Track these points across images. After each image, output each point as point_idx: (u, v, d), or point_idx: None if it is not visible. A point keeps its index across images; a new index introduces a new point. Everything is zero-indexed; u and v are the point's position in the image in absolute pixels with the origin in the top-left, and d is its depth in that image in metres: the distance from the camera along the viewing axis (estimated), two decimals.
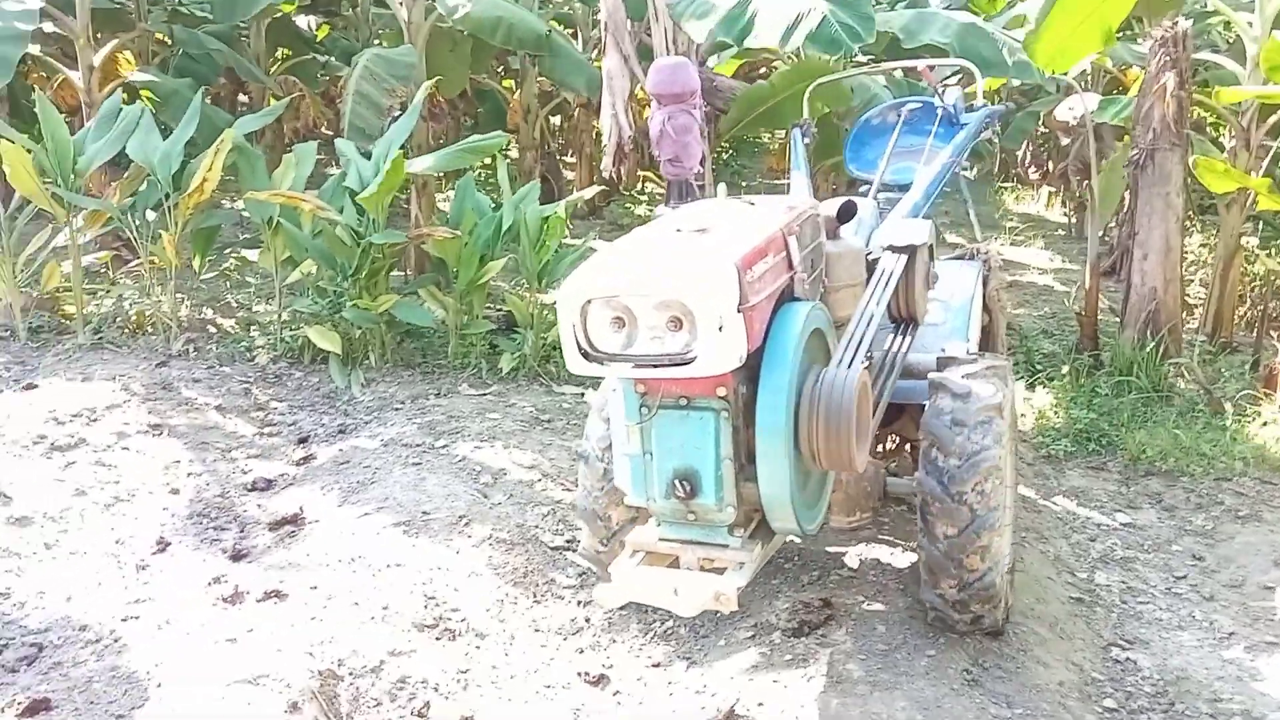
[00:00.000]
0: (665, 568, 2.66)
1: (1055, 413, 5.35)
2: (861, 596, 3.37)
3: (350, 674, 2.89)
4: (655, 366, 2.37)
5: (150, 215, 6.06)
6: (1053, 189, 11.61)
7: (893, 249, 3.23)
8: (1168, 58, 5.31)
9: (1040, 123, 10.49)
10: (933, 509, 2.87)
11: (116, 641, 3.09)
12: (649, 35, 5.56)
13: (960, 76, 4.85)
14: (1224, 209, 6.12)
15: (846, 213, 3.14)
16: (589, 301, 2.40)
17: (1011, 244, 9.99)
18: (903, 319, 3.37)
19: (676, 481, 2.51)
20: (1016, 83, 9.40)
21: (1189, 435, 4.85)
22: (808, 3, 5.04)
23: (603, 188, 7.68)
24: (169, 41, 9.54)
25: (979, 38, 6.27)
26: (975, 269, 3.88)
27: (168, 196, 5.79)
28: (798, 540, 3.70)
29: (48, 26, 8.16)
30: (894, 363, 3.20)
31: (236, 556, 3.68)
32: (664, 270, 2.41)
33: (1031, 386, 5.76)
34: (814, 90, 4.74)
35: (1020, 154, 12.82)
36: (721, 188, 2.92)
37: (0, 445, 4.38)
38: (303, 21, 11.14)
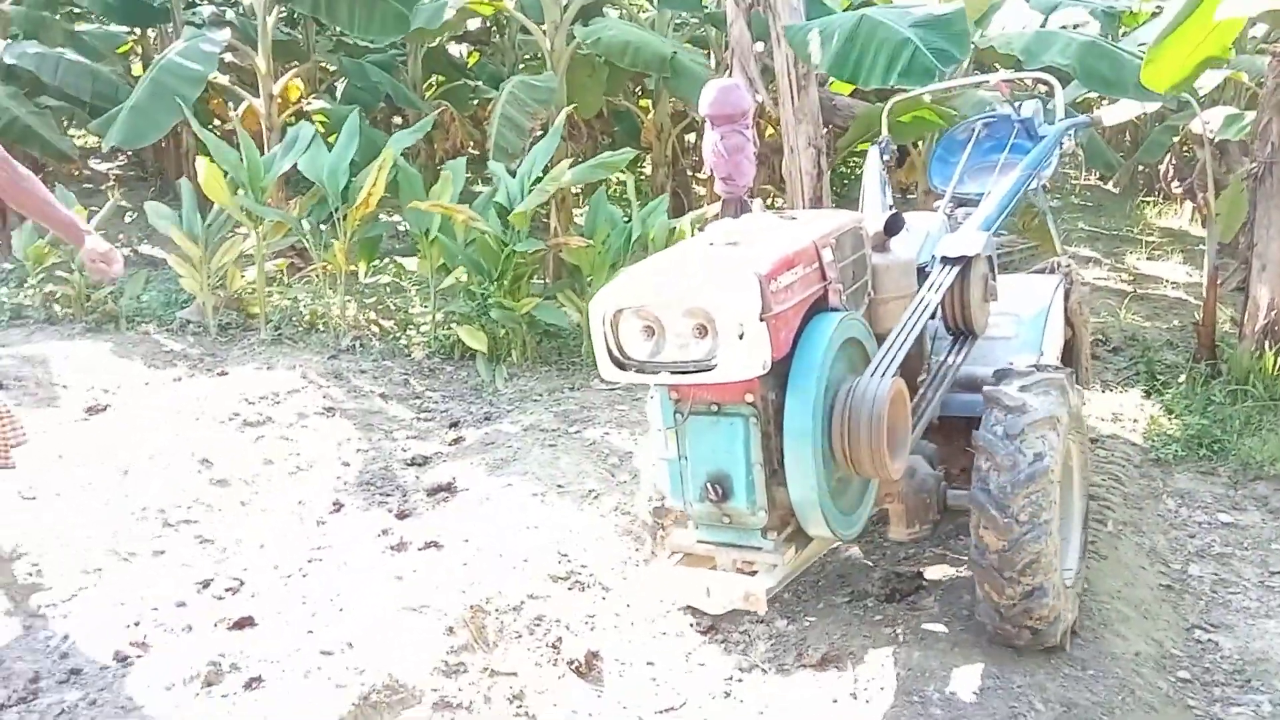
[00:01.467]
0: (703, 569, 2.77)
1: (1169, 419, 5.45)
2: (953, 570, 3.66)
3: (496, 610, 3.38)
4: (682, 373, 2.48)
5: (321, 226, 6.82)
6: (1194, 204, 11.37)
7: (945, 260, 3.29)
8: None
9: (1179, 137, 10.36)
10: (983, 520, 2.89)
11: (305, 577, 3.67)
12: (771, 59, 5.95)
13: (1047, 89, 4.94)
14: None
15: (894, 226, 3.19)
16: (620, 311, 2.51)
17: (1148, 258, 9.89)
18: (960, 331, 3.41)
19: (709, 485, 2.59)
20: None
21: None
22: (899, 33, 5.17)
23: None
24: (331, 70, 10.49)
25: (1099, 57, 6.37)
26: (1054, 282, 3.88)
27: (336, 209, 6.51)
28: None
29: (227, 57, 9.15)
30: (945, 374, 3.24)
31: (400, 515, 4.25)
32: (690, 280, 2.51)
33: (1148, 395, 5.87)
34: (899, 110, 4.86)
35: (1164, 169, 12.57)
36: (757, 203, 3.06)
37: (201, 420, 5.09)
38: (455, 50, 11.99)
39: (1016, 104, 4.65)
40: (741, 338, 2.40)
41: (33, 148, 8.41)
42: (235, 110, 9.94)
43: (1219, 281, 6.32)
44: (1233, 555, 4.18)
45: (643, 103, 11.73)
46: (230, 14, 11.16)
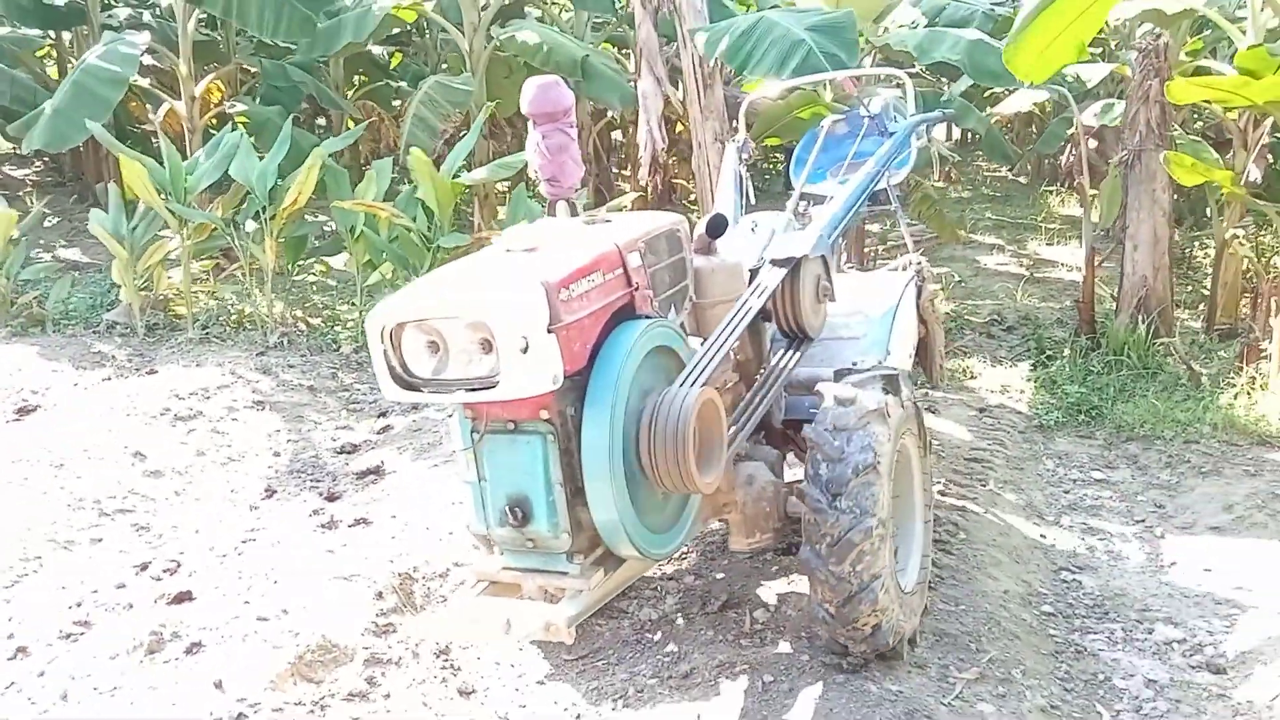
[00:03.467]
0: (509, 598, 2.60)
1: (1052, 389, 5.89)
2: None
3: (423, 577, 3.63)
4: (467, 390, 2.32)
5: (250, 226, 6.95)
6: (1094, 192, 11.98)
7: (772, 262, 3.15)
8: (1151, 67, 5.86)
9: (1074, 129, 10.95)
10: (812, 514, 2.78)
11: (240, 556, 3.87)
12: (679, 58, 6.24)
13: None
14: (1216, 206, 6.60)
15: (715, 228, 3.07)
16: (401, 325, 2.35)
17: (1047, 244, 10.44)
18: (793, 334, 3.29)
19: (509, 508, 2.44)
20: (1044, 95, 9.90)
21: (1167, 405, 5.37)
22: (797, 34, 5.42)
23: (639, 194, 8.37)
24: (252, 71, 10.51)
25: (987, 53, 6.82)
26: (904, 280, 3.81)
27: (264, 209, 6.65)
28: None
29: (146, 59, 9.15)
30: (776, 377, 3.12)
31: (330, 498, 4.47)
32: (473, 290, 2.37)
33: (1034, 368, 6.31)
34: (794, 105, 4.99)
35: (1065, 159, 13.21)
36: (562, 206, 2.98)
37: (133, 416, 5.23)
38: (378, 50, 12.10)
39: (865, 100, 4.74)
40: (525, 351, 2.25)
41: None
42: (155, 113, 9.95)
43: (1099, 261, 6.80)
44: (1102, 507, 4.60)
45: None
46: (147, 16, 11.13)
